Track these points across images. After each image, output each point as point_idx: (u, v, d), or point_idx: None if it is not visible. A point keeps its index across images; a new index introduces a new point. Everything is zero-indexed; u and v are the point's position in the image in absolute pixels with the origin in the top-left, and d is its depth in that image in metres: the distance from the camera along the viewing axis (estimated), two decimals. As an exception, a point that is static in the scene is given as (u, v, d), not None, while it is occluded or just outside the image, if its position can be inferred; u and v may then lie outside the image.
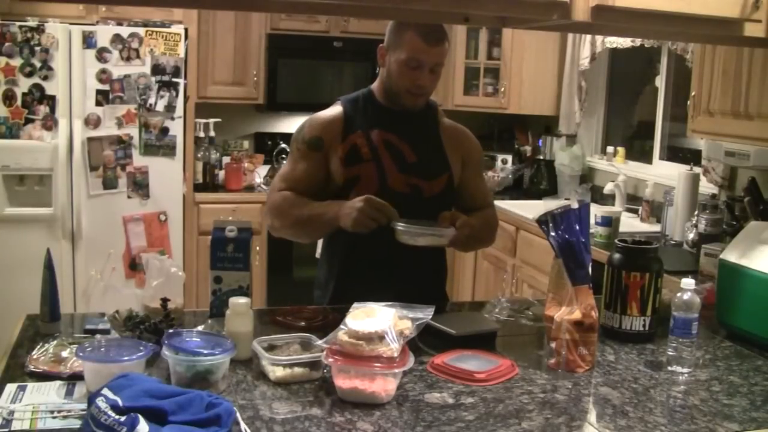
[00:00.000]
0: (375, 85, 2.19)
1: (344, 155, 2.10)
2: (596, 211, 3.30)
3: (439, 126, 2.22)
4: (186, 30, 4.20)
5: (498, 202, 2.90)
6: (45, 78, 3.92)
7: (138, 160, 4.12)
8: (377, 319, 1.52)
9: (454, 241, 2.02)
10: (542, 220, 1.78)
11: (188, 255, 4.40)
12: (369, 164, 2.10)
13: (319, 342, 1.59)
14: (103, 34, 3.98)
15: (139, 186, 4.13)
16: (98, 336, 1.74)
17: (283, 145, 4.89)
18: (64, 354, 1.62)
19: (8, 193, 3.95)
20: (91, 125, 4.01)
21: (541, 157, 4.90)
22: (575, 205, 1.77)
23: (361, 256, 2.11)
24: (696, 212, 3.26)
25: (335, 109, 2.18)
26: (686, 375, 1.73)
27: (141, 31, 4.03)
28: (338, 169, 2.11)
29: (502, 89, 4.79)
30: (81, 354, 1.48)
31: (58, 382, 1.52)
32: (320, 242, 2.36)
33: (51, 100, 3.94)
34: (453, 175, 2.19)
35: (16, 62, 3.89)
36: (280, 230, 2.16)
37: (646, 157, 4.41)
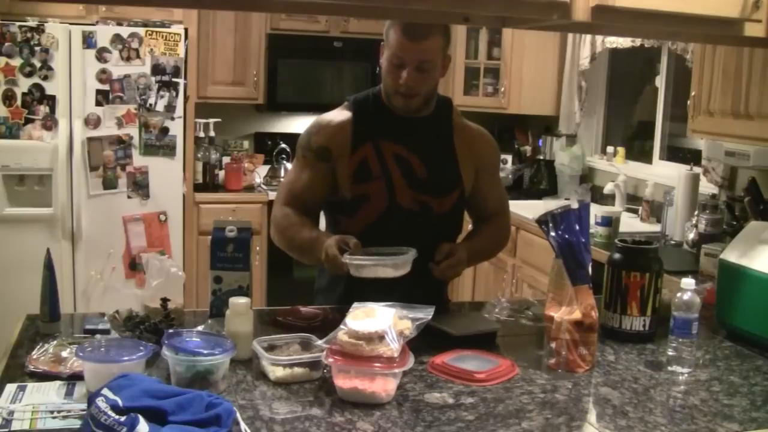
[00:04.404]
0: (381, 85, 2.12)
1: (352, 172, 2.05)
2: (596, 211, 3.30)
3: (452, 129, 2.14)
4: (186, 30, 4.21)
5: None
6: (45, 78, 3.92)
7: (138, 160, 4.12)
8: (377, 319, 1.52)
9: (442, 276, 1.99)
10: (542, 220, 1.78)
11: (188, 255, 4.40)
12: (379, 182, 2.05)
13: (319, 342, 1.59)
14: (103, 34, 3.98)
15: (139, 186, 4.13)
16: (98, 336, 1.74)
17: (283, 145, 4.89)
18: (64, 354, 1.62)
19: (8, 193, 3.95)
20: (91, 125, 4.01)
21: (541, 157, 4.90)
22: (575, 205, 1.77)
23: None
24: (696, 212, 3.26)
25: (344, 114, 2.11)
26: (686, 375, 1.73)
27: (141, 31, 4.03)
28: (346, 184, 2.06)
29: (502, 89, 4.79)
30: (81, 354, 1.48)
31: (58, 382, 1.52)
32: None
33: (51, 100, 3.94)
34: (465, 188, 2.13)
35: (16, 62, 3.89)
36: (279, 246, 2.17)
37: (646, 157, 4.41)
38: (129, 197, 4.13)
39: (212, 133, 4.76)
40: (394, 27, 1.99)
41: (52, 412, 1.39)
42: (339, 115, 2.13)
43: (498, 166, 2.31)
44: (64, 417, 1.37)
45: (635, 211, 4.03)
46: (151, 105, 4.09)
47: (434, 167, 2.09)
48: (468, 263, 2.08)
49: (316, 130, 2.11)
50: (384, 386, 1.49)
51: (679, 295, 1.76)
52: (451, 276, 2.06)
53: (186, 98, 4.23)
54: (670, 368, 1.75)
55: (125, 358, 1.48)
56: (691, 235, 3.20)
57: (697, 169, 3.53)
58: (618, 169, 4.30)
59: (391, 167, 2.06)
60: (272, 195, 4.32)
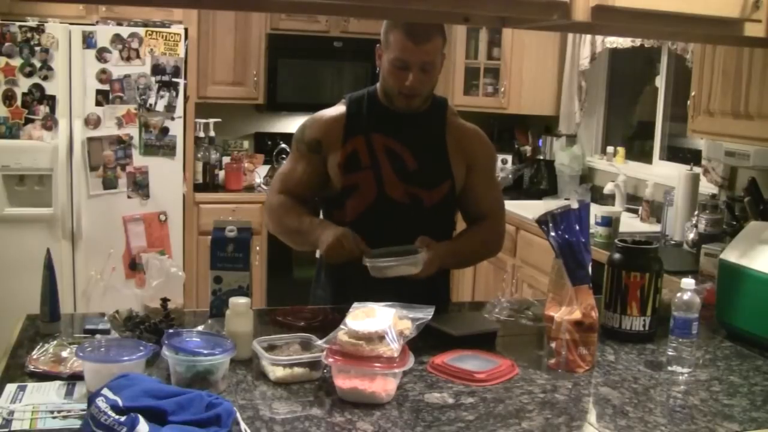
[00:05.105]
0: (378, 85, 2.15)
1: (342, 161, 2.08)
2: (596, 211, 3.30)
3: (445, 127, 2.15)
4: (186, 30, 4.20)
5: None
6: (45, 78, 3.92)
7: (138, 160, 4.12)
8: (377, 319, 1.52)
9: (426, 271, 1.97)
10: (542, 220, 1.78)
11: (188, 255, 4.40)
12: (367, 172, 2.08)
13: (319, 342, 1.59)
14: (103, 34, 3.98)
15: (139, 186, 4.13)
16: (98, 336, 1.74)
17: (283, 145, 4.89)
18: (64, 354, 1.62)
19: (8, 193, 3.95)
20: (91, 125, 4.01)
21: (541, 157, 4.90)
22: (575, 205, 1.77)
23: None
24: (696, 212, 3.26)
25: (339, 109, 2.16)
26: (686, 375, 1.73)
27: (141, 31, 4.03)
28: (336, 175, 2.10)
29: (502, 89, 4.79)
30: (81, 354, 1.48)
31: (58, 382, 1.52)
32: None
33: (51, 100, 3.94)
34: (455, 182, 2.14)
35: (16, 62, 3.89)
36: (275, 234, 2.20)
37: (646, 157, 4.41)
38: (129, 197, 4.13)
39: (212, 133, 4.76)
40: (396, 30, 2.00)
41: (52, 412, 1.39)
42: (334, 110, 2.17)
43: (493, 167, 2.31)
44: (64, 417, 1.38)
45: (635, 211, 4.03)
46: (151, 105, 4.09)
47: (424, 159, 2.11)
48: (446, 263, 2.08)
49: (311, 124, 2.16)
50: (384, 386, 1.49)
51: (679, 295, 1.76)
52: (436, 269, 2.03)
53: (186, 98, 4.23)
54: (670, 368, 1.75)
55: (125, 358, 1.48)
56: (691, 235, 3.20)
57: (697, 169, 3.53)
58: (618, 169, 4.30)
59: (381, 159, 2.09)
60: (272, 195, 4.33)
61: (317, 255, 2.36)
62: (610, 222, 3.31)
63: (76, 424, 1.34)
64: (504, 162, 5.01)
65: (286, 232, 2.16)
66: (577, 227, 1.75)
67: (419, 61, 1.99)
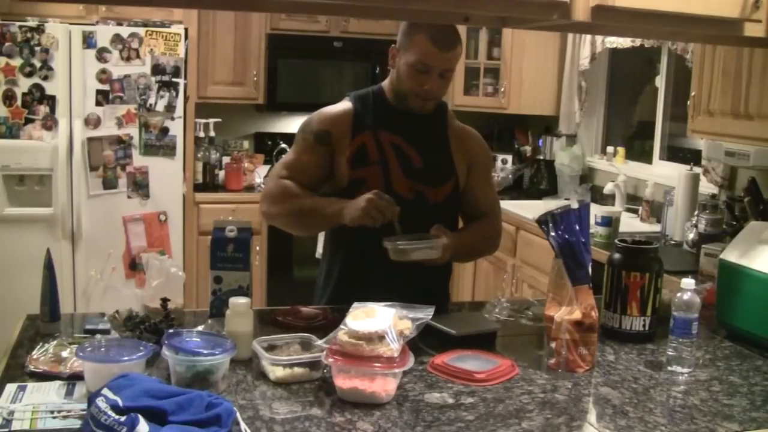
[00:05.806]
0: (386, 84, 2.17)
1: (351, 156, 2.09)
2: (596, 211, 3.30)
3: (447, 129, 2.19)
4: (186, 30, 4.21)
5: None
6: (45, 78, 3.92)
7: (138, 160, 4.12)
8: (377, 319, 1.52)
9: (443, 257, 1.99)
10: (542, 220, 1.78)
11: (188, 255, 4.40)
12: (375, 167, 2.09)
13: (319, 342, 1.59)
14: (103, 34, 3.98)
15: (139, 186, 4.14)
16: (98, 336, 1.74)
17: (283, 145, 4.89)
18: (64, 354, 1.62)
19: (8, 193, 3.95)
20: (91, 125, 4.01)
21: (541, 157, 4.90)
22: (575, 205, 1.77)
23: (362, 254, 2.10)
24: (696, 212, 3.26)
25: (345, 105, 2.16)
26: (686, 375, 1.73)
27: (141, 31, 4.03)
28: (344, 169, 2.09)
29: (502, 89, 4.79)
30: (81, 354, 1.48)
31: (58, 382, 1.52)
32: (320, 242, 2.35)
33: (51, 100, 3.94)
34: (459, 181, 2.17)
35: (16, 62, 3.89)
36: (276, 218, 2.14)
37: (646, 157, 4.41)
38: (129, 197, 4.13)
39: (212, 133, 4.76)
40: (420, 33, 2.01)
41: (52, 412, 1.39)
42: (340, 106, 2.18)
43: (490, 168, 2.35)
44: (64, 417, 1.38)
45: (635, 211, 4.03)
46: (151, 105, 4.09)
47: (429, 158, 2.13)
48: (453, 253, 2.07)
49: (319, 117, 2.16)
50: (384, 386, 1.49)
51: (679, 295, 1.76)
52: (451, 256, 2.06)
53: (186, 98, 4.23)
54: (670, 368, 1.75)
55: (125, 358, 1.48)
56: (691, 235, 3.20)
57: (697, 169, 3.53)
58: (618, 169, 4.30)
59: (389, 155, 2.10)
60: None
61: (318, 255, 2.36)
62: (610, 222, 3.31)
63: (76, 424, 1.34)
64: (504, 162, 5.01)
65: (295, 213, 2.09)
66: (577, 227, 1.75)
67: (441, 67, 2.03)
